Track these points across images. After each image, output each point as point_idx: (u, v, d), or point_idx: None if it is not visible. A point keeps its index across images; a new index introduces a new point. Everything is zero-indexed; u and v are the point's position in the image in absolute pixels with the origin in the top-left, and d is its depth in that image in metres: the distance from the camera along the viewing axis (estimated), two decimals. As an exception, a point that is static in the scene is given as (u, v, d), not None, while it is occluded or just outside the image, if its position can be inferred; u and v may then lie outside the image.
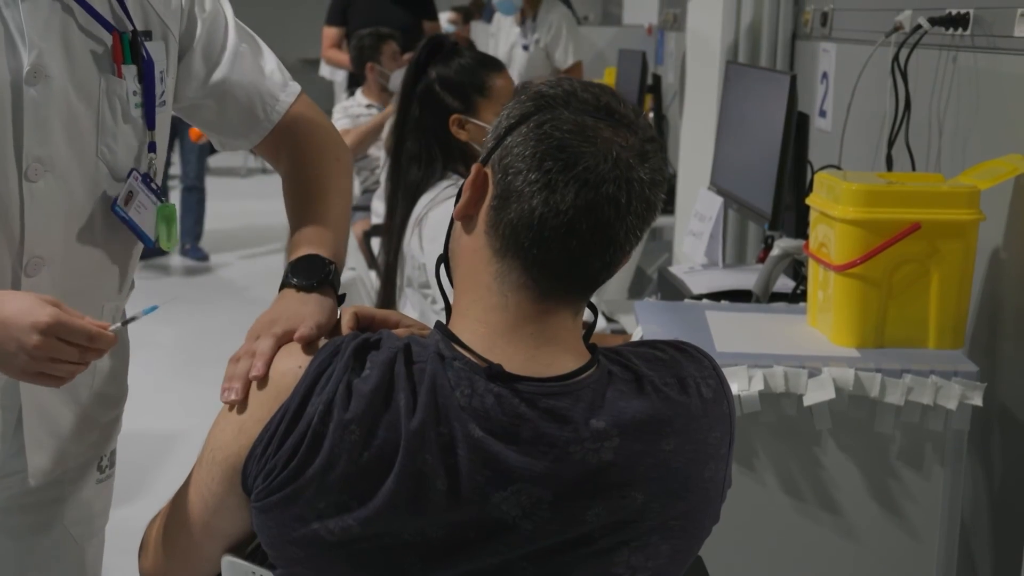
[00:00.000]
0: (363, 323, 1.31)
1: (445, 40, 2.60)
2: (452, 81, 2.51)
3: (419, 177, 2.51)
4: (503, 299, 1.17)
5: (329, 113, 5.17)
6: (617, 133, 1.15)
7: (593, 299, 1.26)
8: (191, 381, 4.42)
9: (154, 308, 1.35)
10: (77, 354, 1.29)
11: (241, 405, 1.22)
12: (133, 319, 1.34)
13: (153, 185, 1.52)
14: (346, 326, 1.30)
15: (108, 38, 1.44)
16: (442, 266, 1.28)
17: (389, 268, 2.59)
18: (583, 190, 1.13)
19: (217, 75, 1.56)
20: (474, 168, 1.20)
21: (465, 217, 1.21)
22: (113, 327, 1.32)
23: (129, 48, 1.45)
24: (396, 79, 5.05)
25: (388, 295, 2.60)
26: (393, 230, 2.57)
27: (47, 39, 1.39)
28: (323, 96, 7.80)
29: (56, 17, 1.40)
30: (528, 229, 1.14)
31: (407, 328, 1.30)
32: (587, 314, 1.25)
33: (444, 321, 1.23)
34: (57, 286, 1.43)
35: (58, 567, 1.59)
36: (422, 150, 2.52)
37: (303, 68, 8.68)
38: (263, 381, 1.22)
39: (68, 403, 1.53)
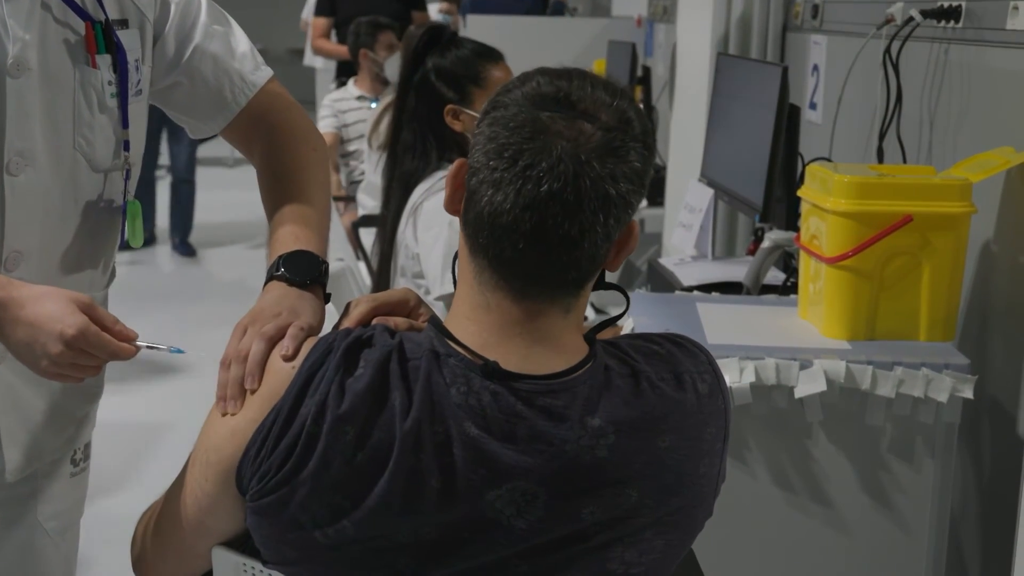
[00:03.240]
0: (383, 311, 1.27)
1: (444, 30, 2.59)
2: (448, 71, 2.50)
3: (414, 167, 2.51)
4: (484, 298, 1.16)
5: (310, 104, 5.16)
6: (572, 126, 1.11)
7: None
8: (177, 373, 4.41)
9: (180, 351, 1.35)
10: (96, 363, 1.31)
11: None
12: (156, 347, 1.34)
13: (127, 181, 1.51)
14: (355, 320, 1.26)
15: (82, 28, 1.42)
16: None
17: (384, 258, 2.59)
18: (525, 187, 1.10)
19: (187, 53, 1.54)
20: (456, 162, 1.18)
21: (455, 212, 1.20)
22: (138, 342, 1.32)
23: (103, 37, 1.44)
24: (391, 67, 5.05)
25: (382, 285, 2.59)
26: (388, 219, 2.57)
27: (28, 30, 1.38)
28: (308, 86, 7.77)
29: (36, 8, 1.39)
30: (482, 229, 1.13)
31: (407, 321, 1.27)
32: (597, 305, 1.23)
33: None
34: (34, 279, 1.41)
35: (31, 562, 1.57)
36: (417, 140, 2.51)
37: (290, 59, 8.65)
38: None
39: (43, 396, 1.51)
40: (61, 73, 1.41)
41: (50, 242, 1.45)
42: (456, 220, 1.20)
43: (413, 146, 2.51)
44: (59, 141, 1.42)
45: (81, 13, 1.42)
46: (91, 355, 1.29)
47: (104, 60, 1.44)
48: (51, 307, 1.28)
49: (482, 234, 1.14)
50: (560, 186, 1.10)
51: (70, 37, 1.42)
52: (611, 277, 1.24)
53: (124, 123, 1.49)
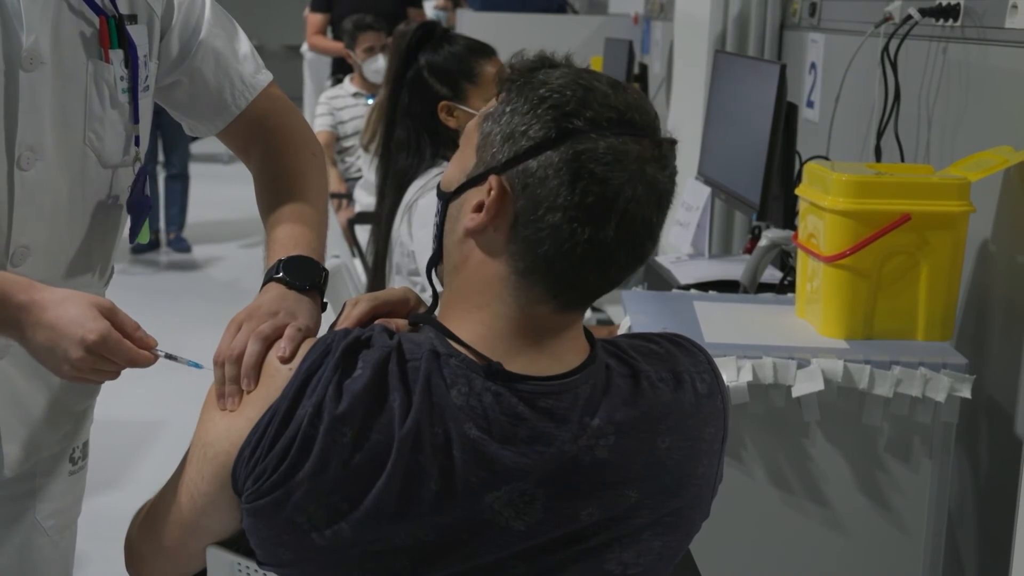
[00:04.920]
0: (382, 310, 1.26)
1: (436, 27, 2.59)
2: (440, 68, 2.50)
3: (407, 164, 2.51)
4: (520, 312, 1.15)
5: (299, 100, 5.16)
6: (643, 147, 1.12)
7: None
8: (171, 370, 4.39)
9: (198, 366, 1.35)
10: (116, 368, 1.30)
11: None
12: (174, 358, 1.33)
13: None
14: (354, 319, 1.24)
15: (96, 21, 1.41)
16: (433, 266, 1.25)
17: (379, 256, 2.58)
18: (624, 221, 1.11)
19: (190, 52, 1.54)
20: (496, 182, 1.12)
21: (483, 231, 1.15)
22: (158, 350, 1.31)
23: (116, 32, 1.43)
24: (368, 68, 5.08)
25: (377, 283, 2.59)
26: (382, 217, 2.56)
27: (44, 23, 1.37)
28: (297, 80, 7.74)
29: (51, 1, 1.38)
30: (566, 261, 1.12)
31: (403, 323, 1.26)
32: None
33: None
34: (40, 274, 1.41)
35: (30, 561, 1.57)
36: (410, 137, 2.51)
37: (286, 54, 8.63)
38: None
39: (42, 390, 1.51)
40: (74, 67, 1.41)
41: (56, 238, 1.45)
42: None
43: (407, 143, 2.51)
44: (69, 136, 1.42)
45: (95, 7, 1.41)
46: (111, 360, 1.29)
47: (116, 55, 1.44)
48: (73, 311, 1.27)
49: (564, 264, 1.12)
50: (650, 211, 1.13)
51: (85, 30, 1.41)
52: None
53: (135, 119, 1.48)
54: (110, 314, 1.29)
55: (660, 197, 1.14)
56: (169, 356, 1.33)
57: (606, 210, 1.10)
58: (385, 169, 2.57)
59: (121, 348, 1.28)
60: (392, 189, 2.53)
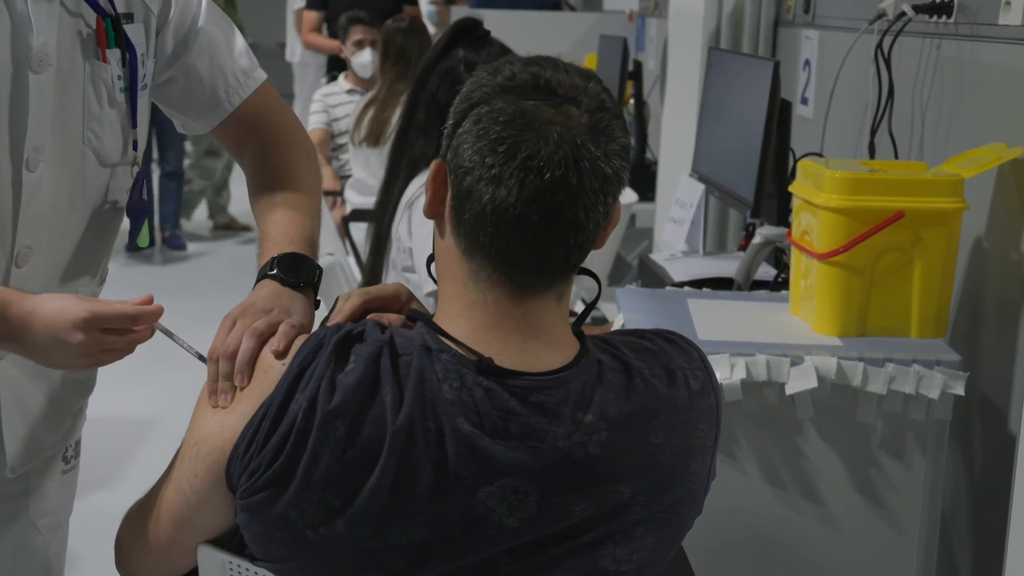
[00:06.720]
0: (374, 305, 1.27)
1: (477, 25, 2.61)
2: (478, 66, 2.54)
3: (422, 151, 2.52)
4: (481, 296, 1.16)
5: (290, 98, 5.16)
6: (560, 112, 1.12)
7: (574, 286, 1.24)
8: (165, 368, 4.38)
9: (191, 349, 1.35)
10: (124, 341, 1.30)
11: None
12: (178, 339, 1.33)
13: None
14: (346, 314, 1.25)
15: (94, 21, 1.42)
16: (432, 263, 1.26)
17: (379, 239, 2.59)
18: (528, 178, 1.10)
19: (184, 50, 1.54)
20: (434, 164, 1.18)
21: (435, 215, 1.19)
22: (156, 326, 1.31)
23: (113, 31, 1.43)
24: (355, 61, 5.09)
25: (376, 269, 2.59)
26: (391, 200, 2.56)
27: (50, 25, 1.37)
28: (290, 78, 7.74)
29: (55, 1, 1.38)
30: (484, 227, 1.13)
31: (400, 318, 1.26)
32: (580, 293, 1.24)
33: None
34: (41, 275, 1.42)
35: (23, 559, 1.57)
36: (432, 123, 2.53)
37: (280, 52, 8.62)
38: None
39: (43, 389, 1.51)
40: (73, 67, 1.41)
41: (57, 238, 1.45)
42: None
43: (426, 128, 2.53)
44: (69, 136, 1.42)
45: (96, 7, 1.41)
46: (113, 333, 1.28)
47: (114, 55, 1.44)
48: (55, 303, 1.29)
49: (484, 232, 1.13)
50: (562, 172, 1.10)
51: (83, 30, 1.41)
52: (602, 268, 1.24)
53: (133, 117, 1.48)
54: (84, 299, 1.30)
55: (579, 161, 1.11)
56: (165, 331, 1.32)
57: (506, 164, 1.11)
58: (399, 152, 2.58)
59: (115, 312, 1.28)
60: (405, 172, 2.54)
